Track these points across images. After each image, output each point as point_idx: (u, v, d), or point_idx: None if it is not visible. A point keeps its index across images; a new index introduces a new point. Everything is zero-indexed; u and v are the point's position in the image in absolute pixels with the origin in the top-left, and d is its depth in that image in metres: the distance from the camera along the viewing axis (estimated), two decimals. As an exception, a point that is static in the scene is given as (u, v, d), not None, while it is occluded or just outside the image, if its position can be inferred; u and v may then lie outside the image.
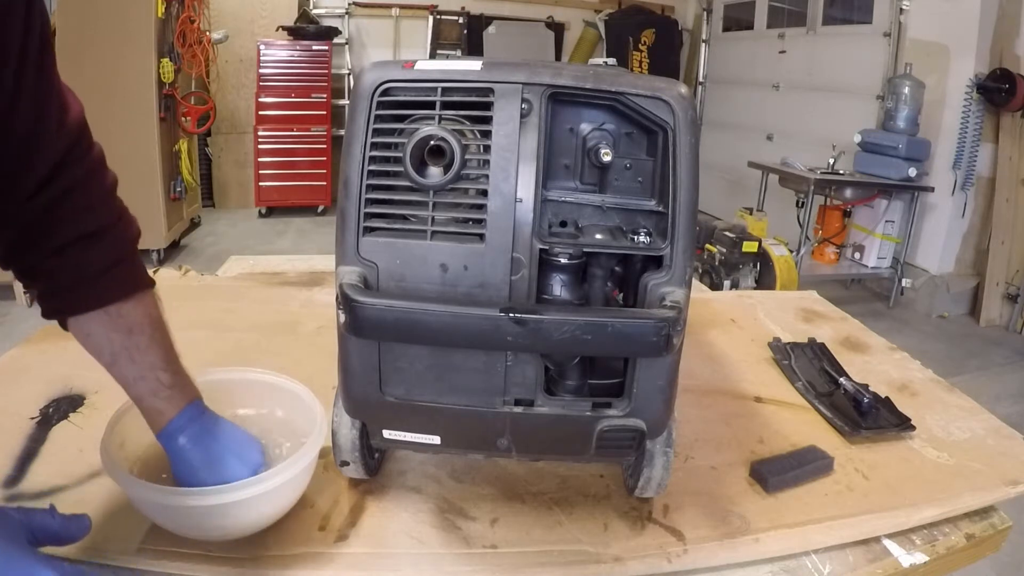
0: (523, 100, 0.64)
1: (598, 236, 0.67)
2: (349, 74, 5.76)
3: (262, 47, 5.21)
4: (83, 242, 0.66)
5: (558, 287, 0.67)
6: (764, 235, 3.78)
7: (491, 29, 6.00)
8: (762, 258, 3.62)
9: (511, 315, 0.60)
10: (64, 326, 0.69)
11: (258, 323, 1.27)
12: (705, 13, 6.36)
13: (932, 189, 4.02)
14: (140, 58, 3.93)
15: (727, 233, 3.61)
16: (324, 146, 5.39)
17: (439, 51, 5.82)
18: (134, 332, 0.69)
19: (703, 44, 6.41)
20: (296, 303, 1.38)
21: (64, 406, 0.95)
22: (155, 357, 0.70)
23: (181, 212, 4.54)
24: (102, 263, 0.67)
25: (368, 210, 0.65)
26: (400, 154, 0.64)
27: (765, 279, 3.60)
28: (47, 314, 0.69)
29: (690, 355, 1.20)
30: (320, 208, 5.58)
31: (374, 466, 0.84)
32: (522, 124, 0.64)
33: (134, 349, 0.69)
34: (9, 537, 0.54)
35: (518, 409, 0.68)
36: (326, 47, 5.34)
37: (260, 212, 5.50)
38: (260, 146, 5.27)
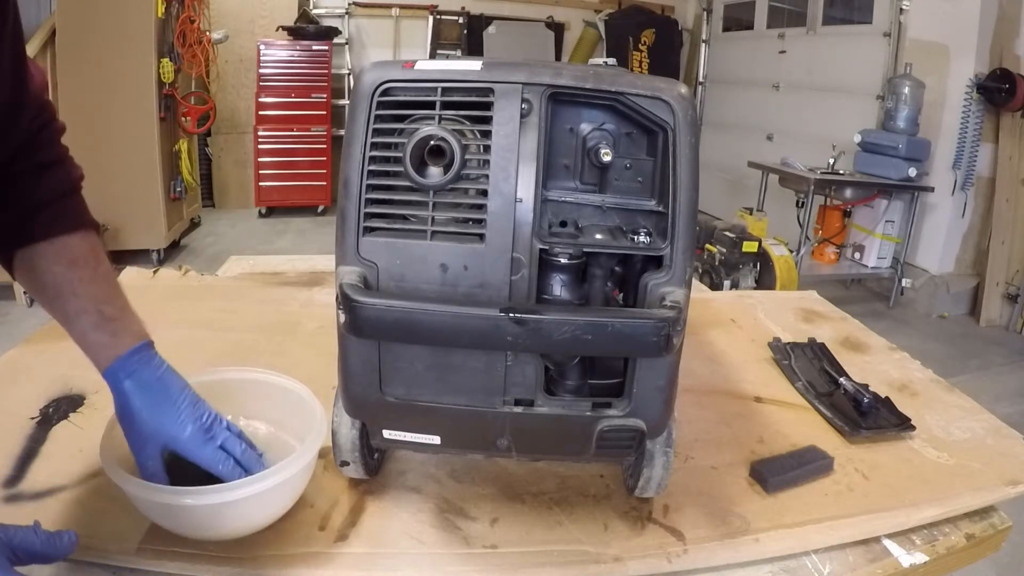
0: (523, 100, 0.64)
1: (598, 236, 0.67)
2: (349, 74, 5.76)
3: (262, 47, 5.21)
4: (31, 174, 0.68)
5: (558, 287, 0.67)
6: (764, 235, 3.78)
7: (491, 29, 6.00)
8: (762, 258, 3.62)
9: (511, 315, 0.60)
10: (10, 266, 0.70)
11: (258, 323, 1.27)
12: (705, 13, 6.36)
13: (932, 189, 4.02)
14: (140, 58, 3.93)
15: (727, 233, 3.61)
16: (324, 146, 5.39)
17: (439, 51, 5.82)
18: (78, 265, 0.69)
19: (703, 44, 6.41)
20: (296, 303, 1.38)
21: (64, 406, 0.95)
22: (98, 290, 0.69)
23: (181, 212, 4.54)
24: (48, 195, 0.69)
25: (368, 210, 0.65)
26: (400, 154, 0.64)
27: (765, 279, 3.61)
28: None
29: (690, 355, 1.20)
30: (320, 208, 5.59)
31: (374, 466, 0.84)
32: (522, 124, 0.64)
33: (76, 281, 0.69)
34: None
35: (518, 409, 0.68)
36: (326, 47, 5.34)
37: (260, 212, 5.50)
38: (260, 146, 5.27)
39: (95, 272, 0.70)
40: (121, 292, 0.72)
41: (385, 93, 0.65)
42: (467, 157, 0.64)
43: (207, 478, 0.70)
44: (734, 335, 1.35)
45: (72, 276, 0.69)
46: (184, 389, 0.72)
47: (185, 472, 0.71)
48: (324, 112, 5.35)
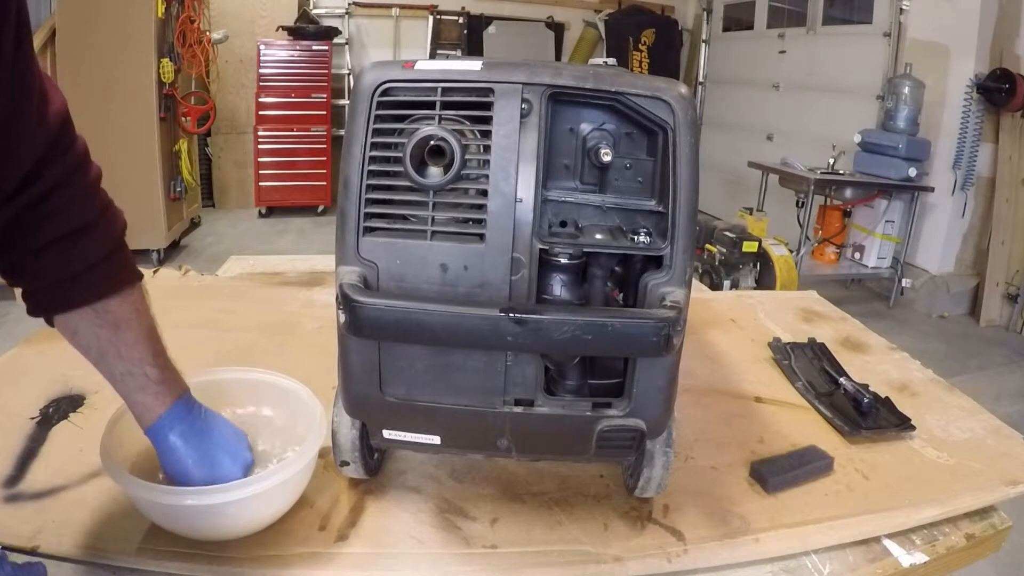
0: (523, 100, 0.64)
1: (598, 236, 0.67)
2: (349, 74, 5.75)
3: (262, 47, 5.20)
4: (67, 239, 0.64)
5: (558, 287, 0.67)
6: (764, 235, 3.78)
7: (491, 29, 6.00)
8: (762, 258, 3.61)
9: (511, 315, 0.60)
10: (51, 323, 0.69)
11: (258, 323, 1.27)
12: (705, 13, 6.36)
13: (932, 189, 4.02)
14: (140, 58, 3.93)
15: (727, 233, 3.60)
16: (324, 146, 5.38)
17: (439, 51, 5.82)
18: (121, 328, 0.68)
19: (703, 44, 6.41)
20: (296, 303, 1.38)
21: (64, 406, 0.95)
22: (142, 352, 0.69)
23: (181, 212, 4.54)
24: (86, 260, 0.66)
25: (368, 210, 0.65)
26: (400, 154, 0.64)
27: (765, 279, 3.60)
28: (32, 311, 0.68)
29: (690, 355, 1.20)
30: (320, 208, 5.58)
31: (374, 466, 0.84)
32: (522, 124, 0.64)
33: (121, 345, 0.68)
34: None
35: (518, 409, 0.68)
36: (326, 47, 5.34)
37: (260, 212, 5.50)
38: (260, 146, 5.27)
39: (138, 333, 0.69)
40: (163, 348, 0.72)
41: (385, 93, 0.65)
42: (467, 157, 0.64)
43: None
44: (734, 335, 1.35)
45: (116, 339, 0.68)
46: (224, 432, 0.75)
47: None
48: (324, 112, 5.34)
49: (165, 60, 4.05)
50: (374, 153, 0.65)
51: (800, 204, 4.07)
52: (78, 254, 0.65)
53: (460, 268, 0.64)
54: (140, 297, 0.71)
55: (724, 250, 3.59)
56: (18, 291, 0.68)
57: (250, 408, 0.86)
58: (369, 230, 0.66)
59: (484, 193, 0.64)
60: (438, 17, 5.94)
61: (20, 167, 0.60)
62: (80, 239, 0.65)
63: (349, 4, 5.83)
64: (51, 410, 0.94)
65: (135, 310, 0.70)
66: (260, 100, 5.23)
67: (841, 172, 4.03)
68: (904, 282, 4.20)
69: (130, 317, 0.69)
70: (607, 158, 0.67)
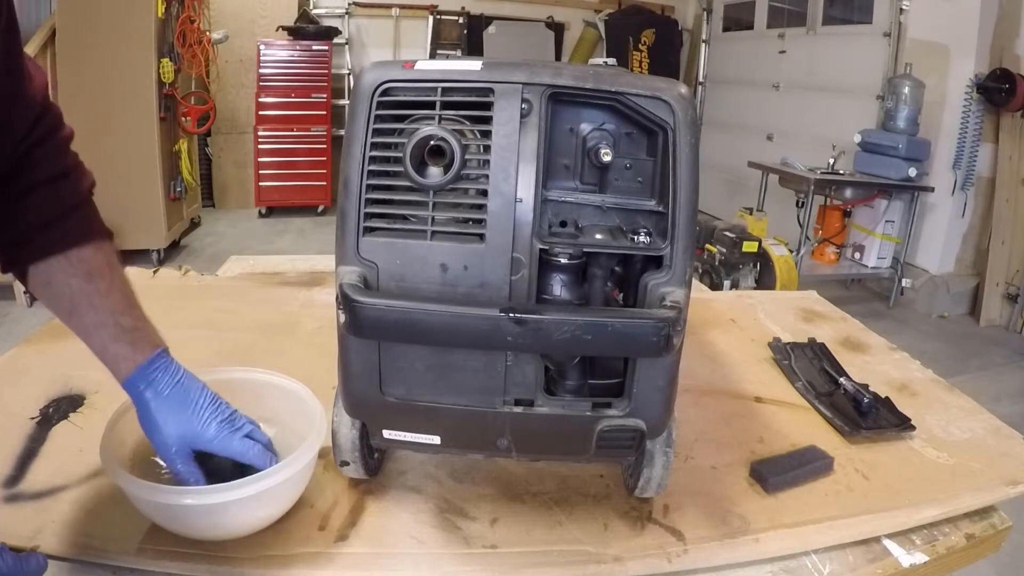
0: (523, 100, 0.64)
1: (598, 236, 0.67)
2: (349, 74, 5.75)
3: (262, 47, 5.20)
4: (41, 188, 0.67)
5: (558, 287, 0.67)
6: (764, 235, 3.78)
7: (491, 29, 6.00)
8: (762, 258, 3.61)
9: (511, 315, 0.60)
10: (24, 279, 0.69)
11: (258, 323, 1.27)
12: (705, 13, 6.36)
13: (932, 189, 4.02)
14: (140, 58, 3.93)
15: (727, 233, 3.60)
16: (324, 146, 5.38)
17: (439, 51, 5.82)
18: (93, 277, 0.69)
19: (703, 44, 6.41)
20: (296, 303, 1.38)
21: (64, 406, 0.95)
22: (115, 302, 0.70)
23: (181, 212, 4.54)
24: (59, 209, 0.68)
25: (368, 210, 0.65)
26: (400, 154, 0.64)
27: (765, 279, 3.60)
28: (7, 266, 0.69)
29: (690, 355, 1.20)
30: (320, 208, 5.58)
31: (374, 466, 0.84)
32: (522, 124, 0.64)
33: (94, 294, 0.69)
34: None
35: (518, 409, 0.68)
36: (326, 47, 5.34)
37: (260, 212, 5.50)
38: (260, 146, 5.27)
39: (111, 283, 0.70)
40: (136, 301, 0.72)
41: (385, 93, 0.65)
42: (467, 157, 0.64)
43: (236, 468, 0.72)
44: (734, 335, 1.35)
45: (89, 289, 0.69)
46: (203, 390, 0.73)
47: (216, 466, 0.73)
48: (324, 112, 5.34)
49: (165, 60, 4.05)
50: (374, 153, 0.65)
51: (800, 204, 4.07)
52: (50, 203, 0.68)
53: (460, 268, 0.64)
54: (111, 253, 0.72)
55: (724, 250, 3.59)
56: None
57: (250, 408, 0.86)
58: (369, 230, 0.66)
59: (484, 193, 0.64)
60: (438, 17, 5.94)
61: (13, 139, 0.64)
62: (53, 188, 0.68)
63: (349, 4, 5.83)
64: (51, 410, 0.94)
65: (107, 263, 0.71)
66: (260, 100, 5.23)
67: (841, 172, 4.03)
68: (904, 282, 4.20)
69: (103, 267, 0.70)
70: (607, 158, 0.67)
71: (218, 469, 0.73)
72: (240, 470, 0.72)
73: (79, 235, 0.69)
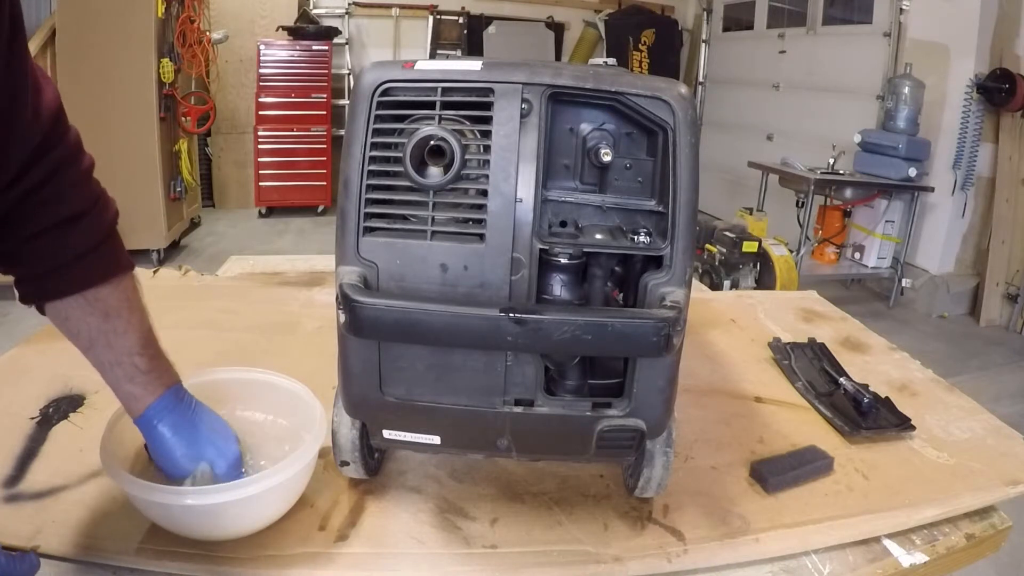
0: (523, 100, 0.64)
1: (598, 236, 0.67)
2: (349, 74, 5.75)
3: (262, 47, 5.20)
4: (59, 228, 0.65)
5: (558, 287, 0.67)
6: (764, 235, 3.78)
7: (491, 29, 6.00)
8: (762, 258, 3.61)
9: (511, 315, 0.60)
10: (42, 311, 0.69)
11: (258, 323, 1.27)
12: (705, 13, 6.36)
13: (932, 189, 4.02)
14: (140, 58, 3.93)
15: (727, 233, 3.60)
16: (324, 146, 5.38)
17: (439, 51, 5.82)
18: (111, 317, 0.69)
19: (703, 44, 6.41)
20: (296, 303, 1.38)
21: (64, 406, 0.95)
22: (131, 342, 0.70)
23: (181, 212, 4.54)
24: (78, 248, 0.66)
25: (368, 210, 0.65)
26: (400, 154, 0.64)
27: (765, 279, 3.60)
28: (24, 299, 0.69)
29: (690, 355, 1.20)
30: (320, 208, 5.58)
31: (374, 466, 0.84)
32: (522, 124, 0.64)
33: (111, 334, 0.69)
34: None
35: (518, 409, 0.68)
36: (326, 47, 5.34)
37: (260, 212, 5.50)
38: (260, 146, 5.27)
39: (128, 322, 0.70)
40: (153, 337, 0.72)
41: (385, 93, 0.65)
42: (467, 157, 0.64)
43: None
44: (734, 335, 1.35)
45: (106, 327, 0.68)
46: (214, 426, 0.75)
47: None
48: (324, 112, 5.34)
49: (165, 60, 4.05)
50: (374, 153, 0.65)
51: (800, 204, 4.07)
52: (70, 242, 0.66)
53: (460, 268, 0.64)
54: (132, 287, 0.72)
55: (724, 250, 3.59)
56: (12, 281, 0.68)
57: (250, 408, 0.86)
58: (369, 230, 0.66)
59: (484, 193, 0.64)
60: (438, 17, 5.94)
61: (16, 158, 0.61)
62: (72, 227, 0.66)
63: (349, 4, 5.83)
64: (51, 410, 0.94)
65: (126, 299, 0.70)
66: (260, 100, 5.23)
67: (841, 172, 4.03)
68: (904, 282, 4.20)
69: (120, 306, 0.69)
70: (607, 158, 0.67)
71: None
72: None
73: (97, 275, 0.68)
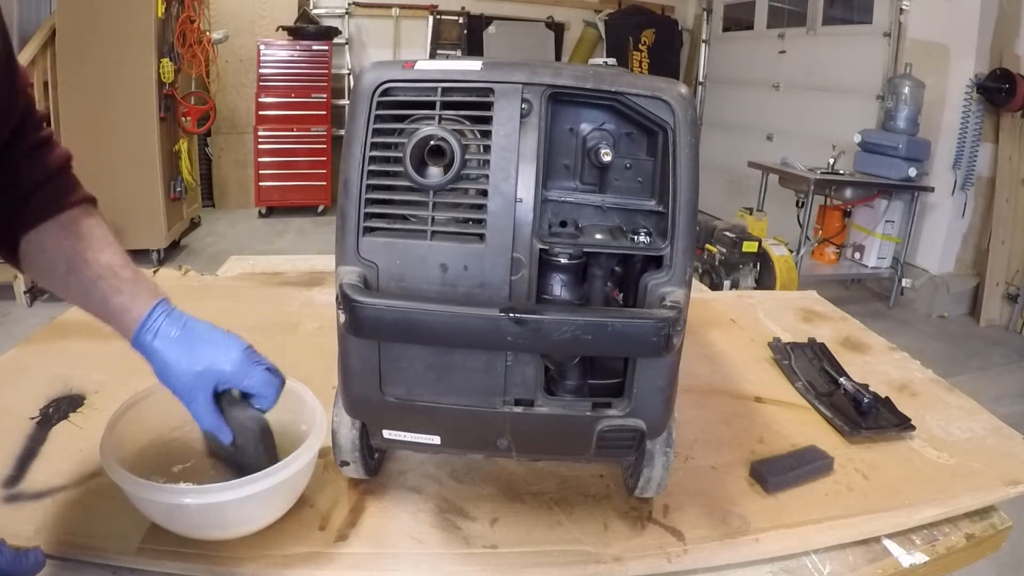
0: (523, 100, 0.64)
1: (598, 236, 0.67)
2: (349, 74, 5.75)
3: (262, 47, 5.20)
4: (25, 156, 0.70)
5: (558, 287, 0.67)
6: (764, 235, 3.78)
7: (491, 29, 6.00)
8: (762, 258, 3.61)
9: (511, 315, 0.60)
10: (17, 258, 0.71)
11: (258, 323, 1.27)
12: (705, 13, 6.36)
13: (932, 189, 4.02)
14: (140, 58, 3.93)
15: (727, 233, 3.60)
16: (324, 146, 5.38)
17: (439, 51, 5.82)
18: (85, 236, 0.71)
19: (703, 44, 6.41)
20: (296, 303, 1.38)
21: (64, 406, 0.95)
22: (111, 257, 0.70)
23: (181, 212, 4.54)
24: (43, 175, 0.71)
25: (368, 210, 0.65)
26: (400, 154, 0.64)
27: (765, 279, 3.60)
28: (1, 247, 0.71)
29: (690, 355, 1.20)
30: (320, 208, 5.58)
31: (374, 466, 0.84)
32: (522, 124, 0.64)
33: (88, 251, 0.70)
34: None
35: (518, 409, 0.68)
36: (326, 47, 5.34)
37: (260, 212, 5.50)
38: (260, 146, 5.27)
39: (103, 241, 0.72)
40: (128, 257, 0.73)
41: (385, 93, 0.65)
42: (467, 157, 0.64)
43: (260, 434, 0.72)
44: (734, 335, 1.35)
45: (82, 247, 0.70)
46: (212, 328, 0.72)
47: (239, 425, 0.72)
48: (324, 112, 5.34)
49: (165, 60, 4.05)
50: (374, 153, 0.65)
51: (800, 204, 4.07)
52: (37, 168, 0.70)
53: (460, 268, 0.64)
54: (98, 213, 0.75)
55: (724, 250, 3.59)
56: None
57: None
58: (369, 230, 0.66)
59: (484, 193, 0.64)
60: (438, 17, 5.94)
61: (6, 128, 0.68)
62: (35, 156, 0.71)
63: (349, 4, 5.83)
64: (51, 410, 0.94)
65: (98, 224, 0.73)
66: (260, 100, 5.23)
67: (841, 172, 4.03)
68: (904, 282, 4.20)
69: (94, 228, 0.72)
70: (607, 158, 0.67)
71: (241, 428, 0.72)
72: (262, 435, 0.72)
73: (66, 199, 0.72)
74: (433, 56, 4.89)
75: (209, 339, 0.71)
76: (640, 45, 6.19)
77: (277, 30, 5.40)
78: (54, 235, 0.70)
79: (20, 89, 0.69)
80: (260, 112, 5.24)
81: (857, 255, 4.30)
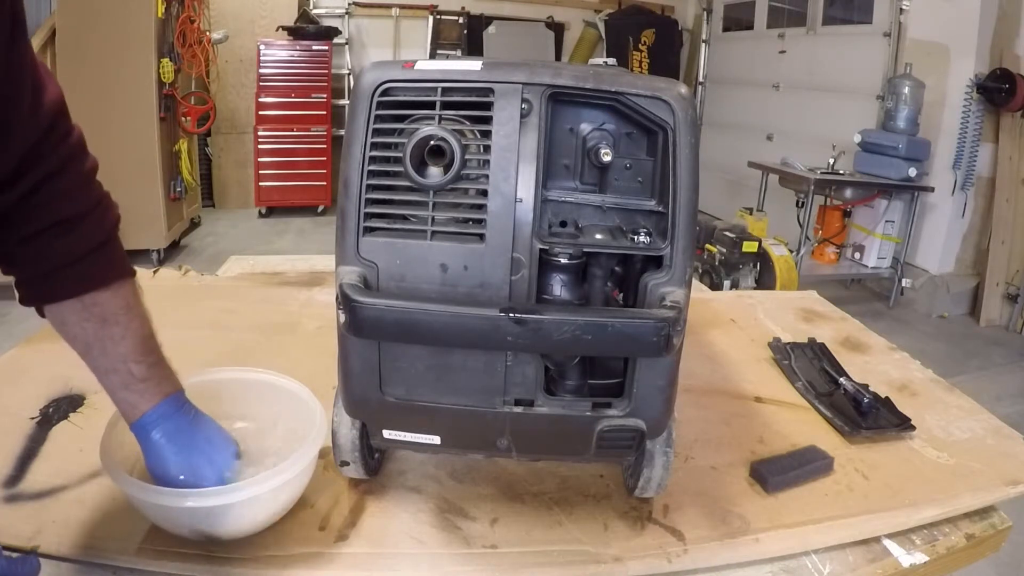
0: (523, 100, 0.64)
1: (598, 236, 0.67)
2: (349, 74, 5.75)
3: (262, 47, 5.20)
4: (58, 229, 0.64)
5: (558, 287, 0.67)
6: (764, 235, 3.78)
7: (491, 29, 5.99)
8: (762, 258, 3.61)
9: (511, 315, 0.60)
10: (41, 314, 0.69)
11: (258, 323, 1.27)
12: (705, 13, 6.36)
13: (932, 189, 4.02)
14: (140, 58, 3.93)
15: (727, 233, 3.60)
16: (324, 146, 5.38)
17: (439, 51, 5.81)
18: (108, 323, 0.67)
19: (703, 44, 6.41)
20: (296, 303, 1.38)
21: (64, 406, 0.95)
22: (128, 349, 0.68)
23: (181, 212, 4.54)
24: (76, 252, 0.65)
25: (368, 210, 0.65)
26: (400, 154, 0.64)
27: (765, 279, 3.60)
28: (23, 301, 0.68)
29: (690, 355, 1.20)
30: (320, 208, 5.58)
31: (374, 466, 0.84)
32: (522, 124, 0.64)
33: (107, 340, 0.68)
34: None
35: (518, 409, 0.68)
36: (326, 47, 5.34)
37: (260, 212, 5.50)
38: (260, 146, 5.27)
39: (126, 329, 0.68)
40: (154, 343, 0.71)
41: (385, 93, 0.65)
42: (467, 157, 0.64)
43: None
44: (734, 335, 1.35)
45: (103, 334, 0.67)
46: (210, 436, 0.73)
47: None
48: (324, 112, 5.34)
49: (165, 60, 4.05)
50: (374, 153, 0.65)
51: (800, 204, 4.07)
52: (67, 245, 0.65)
53: (460, 268, 0.64)
54: (131, 292, 0.70)
55: (724, 250, 3.58)
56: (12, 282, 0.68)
57: (249, 408, 0.86)
58: (369, 230, 0.66)
59: (484, 193, 0.64)
60: (438, 17, 5.94)
61: (13, 155, 0.60)
62: (70, 230, 0.65)
63: (349, 4, 5.82)
64: (51, 410, 0.94)
65: (124, 305, 0.69)
66: (260, 100, 5.23)
67: (841, 172, 4.02)
68: (904, 282, 4.20)
69: (118, 312, 0.68)
70: (607, 158, 0.67)
71: None
72: None
73: (94, 280, 0.67)
74: (433, 56, 4.88)
75: (203, 448, 0.72)
76: (640, 45, 6.19)
77: (277, 30, 5.40)
78: (75, 314, 0.67)
79: (29, 105, 0.59)
80: (260, 112, 5.24)
81: (857, 255, 4.30)
